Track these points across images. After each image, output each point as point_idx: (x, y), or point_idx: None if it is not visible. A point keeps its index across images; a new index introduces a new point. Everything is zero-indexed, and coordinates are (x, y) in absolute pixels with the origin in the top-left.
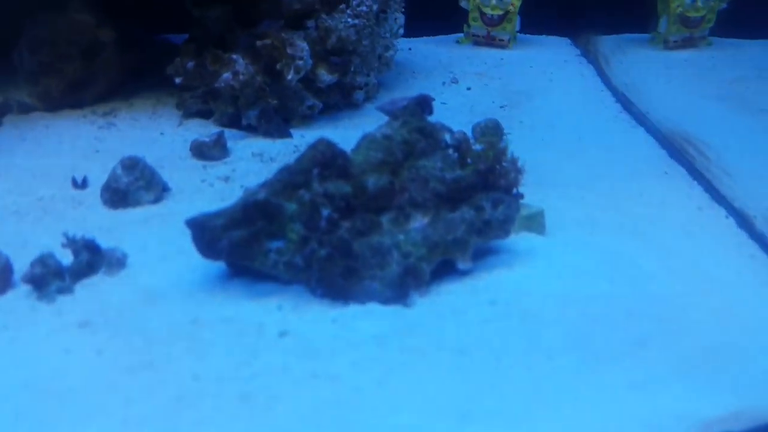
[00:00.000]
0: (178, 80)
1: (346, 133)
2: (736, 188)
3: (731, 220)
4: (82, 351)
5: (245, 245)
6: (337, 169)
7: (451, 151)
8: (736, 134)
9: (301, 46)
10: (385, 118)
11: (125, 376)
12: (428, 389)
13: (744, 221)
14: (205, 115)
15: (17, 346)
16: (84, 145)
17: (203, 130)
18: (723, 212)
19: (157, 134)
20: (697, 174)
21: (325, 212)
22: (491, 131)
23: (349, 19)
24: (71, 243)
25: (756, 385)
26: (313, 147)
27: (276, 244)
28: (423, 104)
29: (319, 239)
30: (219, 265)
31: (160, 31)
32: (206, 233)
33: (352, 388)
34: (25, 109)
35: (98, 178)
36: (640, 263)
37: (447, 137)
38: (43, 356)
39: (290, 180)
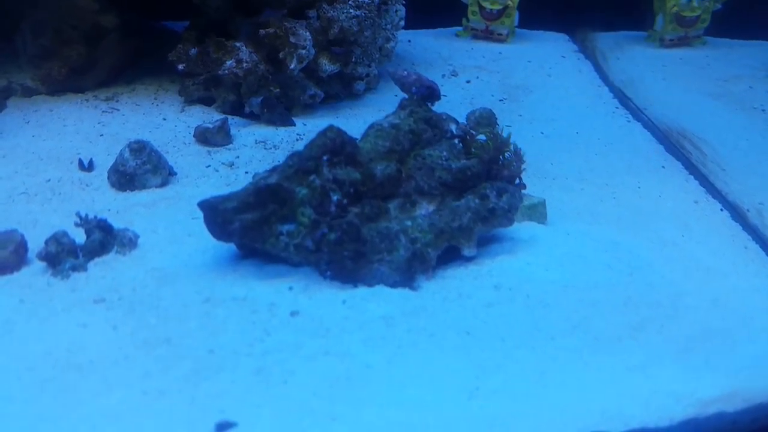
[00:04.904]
0: (180, 67)
1: (347, 123)
2: (731, 183)
3: (726, 213)
4: (98, 326)
5: (257, 228)
6: (346, 156)
7: (456, 141)
8: (731, 131)
9: (303, 36)
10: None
11: (142, 351)
12: (437, 367)
13: (738, 214)
14: (206, 102)
15: (36, 319)
16: (88, 128)
17: (205, 116)
18: (718, 205)
19: (160, 120)
20: (693, 168)
21: (335, 197)
22: (485, 120)
23: (351, 10)
24: (84, 222)
25: (749, 367)
26: (322, 134)
27: (287, 227)
28: (431, 95)
29: (329, 223)
30: (229, 248)
31: (160, 19)
32: (218, 215)
33: (363, 364)
34: (28, 93)
35: (104, 161)
36: (638, 252)
37: (453, 128)
38: (61, 330)
39: (301, 165)
